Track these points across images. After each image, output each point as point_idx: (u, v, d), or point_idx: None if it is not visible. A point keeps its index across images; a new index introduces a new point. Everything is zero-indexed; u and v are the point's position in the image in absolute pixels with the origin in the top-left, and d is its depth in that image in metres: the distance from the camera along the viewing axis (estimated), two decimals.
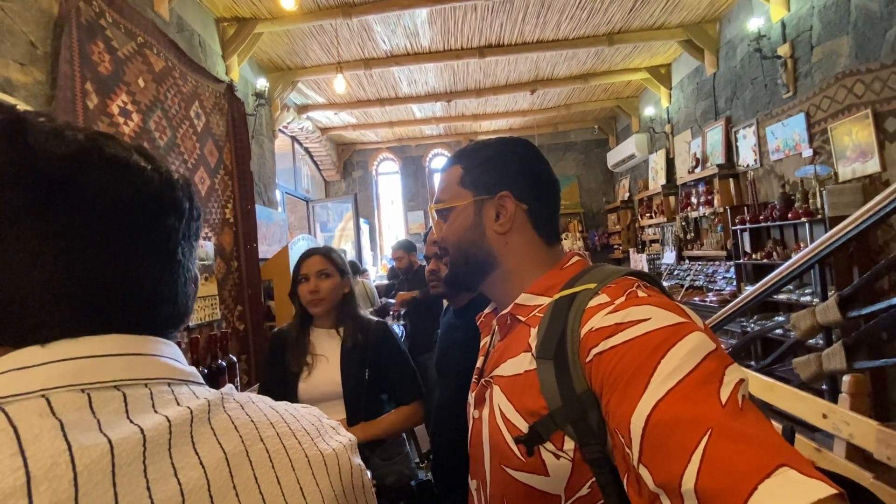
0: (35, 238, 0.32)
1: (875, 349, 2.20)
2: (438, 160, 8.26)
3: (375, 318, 1.51)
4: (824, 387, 2.60)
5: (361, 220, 6.91)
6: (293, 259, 3.83)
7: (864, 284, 1.98)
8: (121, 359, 0.33)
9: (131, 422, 0.31)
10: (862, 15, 2.88)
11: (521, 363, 0.58)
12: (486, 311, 0.75)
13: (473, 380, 0.71)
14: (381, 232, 8.39)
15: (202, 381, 0.39)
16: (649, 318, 0.48)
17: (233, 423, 0.37)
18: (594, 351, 0.49)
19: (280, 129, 5.46)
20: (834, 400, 1.67)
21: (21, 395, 0.29)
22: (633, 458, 0.43)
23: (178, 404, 0.34)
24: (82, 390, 0.31)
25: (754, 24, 3.73)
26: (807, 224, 3.24)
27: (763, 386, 2.10)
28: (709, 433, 0.38)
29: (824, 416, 1.66)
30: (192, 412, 0.34)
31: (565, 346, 0.53)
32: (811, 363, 1.99)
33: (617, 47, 4.88)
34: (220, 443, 0.35)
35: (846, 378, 1.63)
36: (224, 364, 2.00)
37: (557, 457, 0.52)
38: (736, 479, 0.35)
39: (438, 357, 1.40)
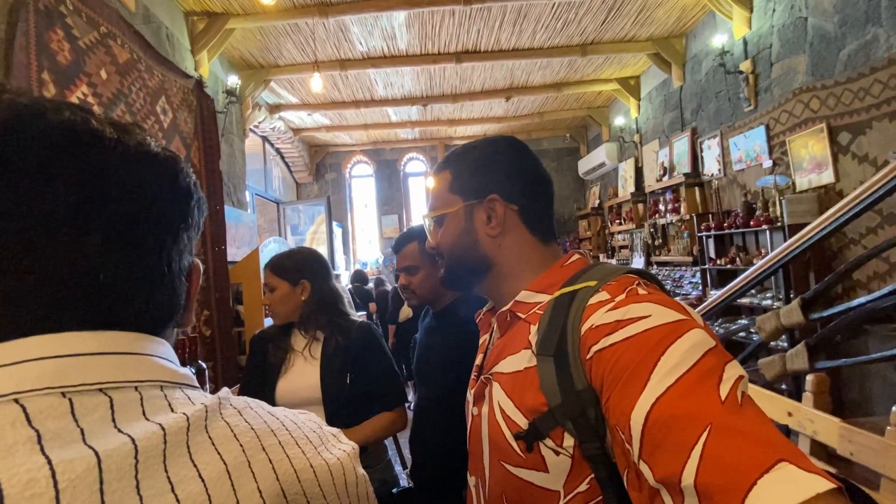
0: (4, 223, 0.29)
1: (832, 349, 2.32)
2: (413, 164, 8.24)
3: (358, 319, 1.47)
4: (784, 386, 2.72)
5: (334, 224, 6.79)
6: (263, 263, 3.71)
7: (824, 288, 2.08)
8: (107, 358, 0.30)
9: (119, 431, 0.28)
10: (818, 35, 3.06)
11: (521, 360, 0.58)
12: (485, 308, 0.75)
13: (472, 377, 0.71)
14: (355, 236, 8.27)
15: (197, 384, 0.36)
16: (649, 315, 0.48)
17: (232, 431, 0.34)
18: (594, 348, 0.49)
19: (251, 129, 5.30)
20: (798, 399, 1.74)
21: None
22: (634, 455, 0.43)
23: (173, 410, 0.31)
24: (63, 394, 0.27)
25: (718, 41, 3.92)
26: (767, 231, 3.40)
27: None
28: (708, 429, 0.38)
29: (789, 415, 1.72)
30: (188, 419, 0.31)
31: (566, 343, 0.53)
32: (776, 364, 2.07)
33: (589, 58, 5.01)
34: (219, 453, 0.32)
35: (809, 377, 1.71)
36: (193, 370, 1.91)
37: (557, 453, 0.52)
38: (735, 475, 0.35)
39: (417, 361, 1.38)
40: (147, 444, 0.28)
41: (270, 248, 4.39)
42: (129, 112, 2.71)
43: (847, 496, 0.34)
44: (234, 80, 4.37)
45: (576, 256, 0.66)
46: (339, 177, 8.07)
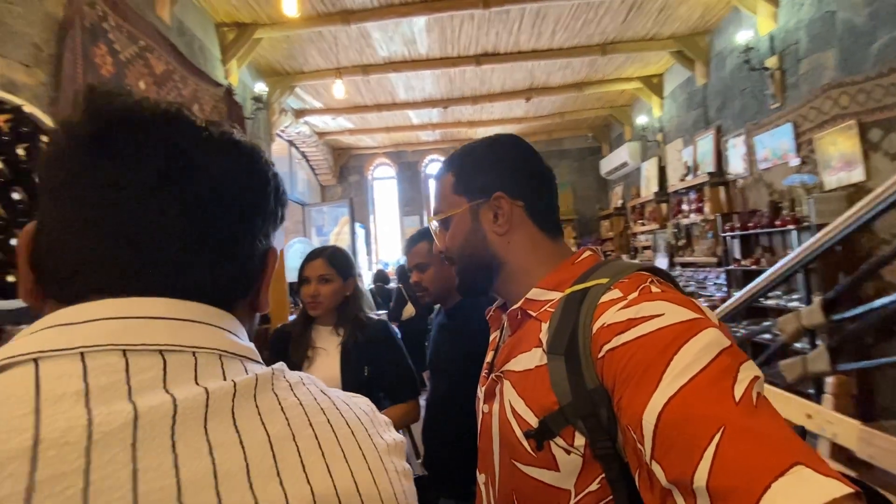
0: (84, 191, 0.32)
1: (861, 351, 2.26)
2: (434, 166, 8.32)
3: (375, 318, 1.54)
4: (811, 390, 2.66)
5: (357, 225, 6.93)
6: (288, 262, 3.85)
7: (848, 289, 2.04)
8: (170, 322, 0.31)
9: (166, 391, 0.28)
10: (847, 29, 2.97)
11: (532, 358, 0.58)
12: (495, 305, 0.74)
13: (483, 374, 0.71)
14: (377, 237, 8.41)
15: (260, 360, 0.37)
16: (663, 314, 0.47)
17: (280, 404, 0.33)
18: (606, 347, 0.49)
19: (277, 134, 5.49)
20: (819, 401, 1.71)
21: (59, 351, 0.28)
22: (646, 455, 0.42)
23: (224, 378, 0.31)
24: (123, 351, 0.29)
25: (743, 37, 3.84)
26: (794, 231, 3.32)
27: None
28: (722, 430, 0.37)
29: (809, 417, 1.70)
30: (235, 386, 0.31)
31: (577, 341, 0.52)
32: (797, 365, 2.04)
33: (610, 57, 4.97)
34: (263, 424, 0.31)
35: (830, 379, 1.68)
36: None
37: (568, 452, 0.52)
38: (749, 477, 0.35)
39: (431, 356, 1.44)
40: (188, 405, 0.28)
41: (295, 249, 4.53)
42: None
43: (865, 501, 0.33)
44: (261, 87, 4.54)
45: (587, 253, 0.65)
46: (361, 179, 8.23)
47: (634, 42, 4.77)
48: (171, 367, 0.30)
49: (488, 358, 0.73)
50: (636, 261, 5.90)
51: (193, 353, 0.31)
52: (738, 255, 4.07)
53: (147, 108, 0.35)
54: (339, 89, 4.40)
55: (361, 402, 0.41)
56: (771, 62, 3.66)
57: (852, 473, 1.37)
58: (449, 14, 3.98)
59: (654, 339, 0.45)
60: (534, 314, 0.61)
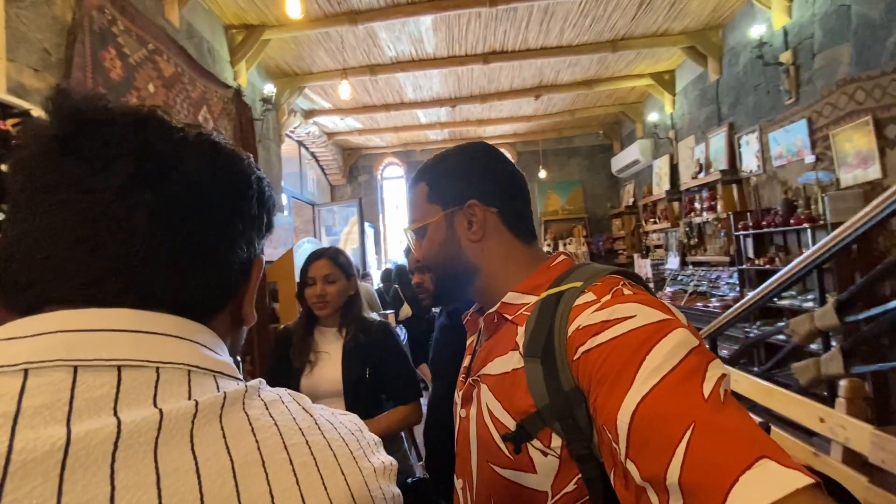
0: (45, 196, 0.30)
1: (876, 354, 2.20)
2: None
3: (378, 319, 1.54)
4: (825, 393, 2.59)
5: (366, 225, 6.96)
6: (298, 262, 3.88)
7: (863, 289, 1.99)
8: (132, 335, 0.29)
9: (114, 413, 0.26)
10: (862, 23, 2.89)
11: (508, 362, 0.59)
12: (472, 310, 0.75)
13: (460, 379, 0.71)
14: (386, 236, 8.44)
15: (239, 375, 0.34)
16: (635, 316, 0.48)
17: (251, 424, 0.30)
18: (581, 348, 0.50)
19: (287, 134, 5.53)
20: (832, 405, 1.67)
21: (1, 368, 0.26)
22: (621, 454, 0.43)
23: (189, 397, 0.29)
24: (74, 368, 0.26)
25: (756, 32, 3.76)
26: (809, 230, 3.24)
27: (762, 391, 2.10)
28: (692, 427, 0.39)
29: (821, 420, 1.66)
30: (197, 406, 0.28)
31: (553, 344, 0.53)
32: (810, 368, 1.99)
33: (620, 54, 4.91)
34: (228, 447, 0.28)
35: (843, 382, 1.64)
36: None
37: (545, 454, 0.53)
38: (718, 472, 0.36)
39: (433, 358, 1.43)
40: (135, 429, 0.26)
41: (304, 249, 4.56)
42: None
43: (825, 491, 0.35)
44: (270, 89, 4.57)
45: (562, 257, 0.66)
46: (370, 178, 8.26)
47: (645, 38, 4.70)
48: (127, 386, 0.27)
49: (465, 362, 0.73)
50: (655, 263, 5.86)
51: (157, 369, 0.29)
52: (751, 254, 3.99)
53: (118, 109, 0.33)
54: (344, 90, 4.42)
55: (348, 422, 0.38)
56: (785, 57, 3.58)
57: (864, 479, 1.34)
58: (456, 13, 3.97)
59: (627, 340, 0.47)
60: (510, 318, 0.62)
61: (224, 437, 0.29)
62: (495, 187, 0.68)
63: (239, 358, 2.07)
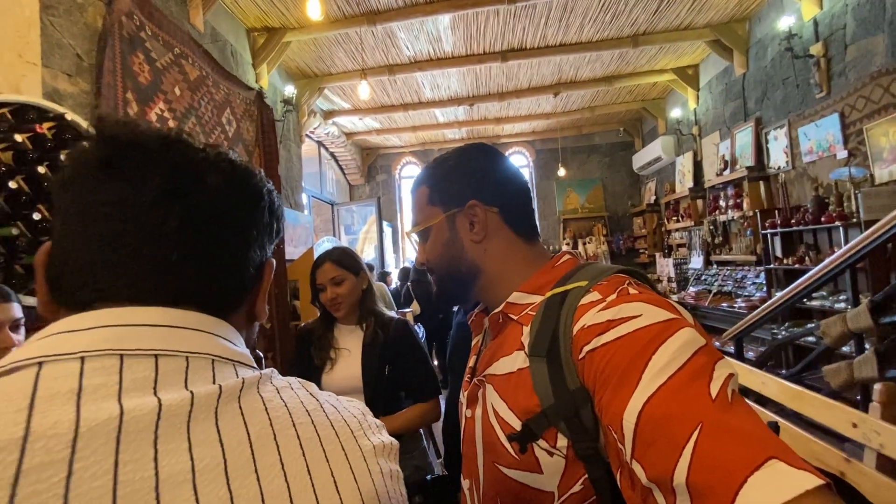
0: (93, 209, 0.36)
1: None
2: None
3: (396, 316, 1.55)
4: (858, 397, 2.49)
5: (385, 224, 7.01)
6: None
7: None
8: (164, 329, 0.34)
9: (154, 394, 0.31)
10: None
11: (514, 361, 0.58)
12: (476, 310, 0.75)
13: (465, 379, 0.71)
14: (404, 235, 8.48)
15: (254, 364, 0.39)
16: (640, 315, 0.48)
17: (264, 405, 0.35)
18: (586, 348, 0.49)
19: (307, 135, 5.61)
20: (866, 409, 1.61)
21: (62, 355, 0.31)
22: (626, 454, 0.43)
23: (213, 382, 0.34)
24: (120, 356, 0.31)
25: (785, 23, 3.63)
26: (841, 228, 3.12)
27: (791, 394, 2.04)
28: (699, 427, 0.38)
29: (854, 426, 1.60)
30: (221, 389, 0.33)
31: (558, 343, 0.53)
32: (842, 371, 1.92)
33: (642, 49, 4.82)
34: (245, 423, 0.33)
35: (877, 386, 1.58)
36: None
37: (551, 454, 0.52)
38: (726, 473, 0.36)
39: (450, 355, 1.44)
40: (172, 407, 0.30)
41: (324, 247, 4.62)
42: (199, 124, 2.99)
43: (836, 492, 0.34)
44: (290, 90, 4.64)
45: (566, 257, 0.66)
46: (389, 178, 8.31)
47: (668, 32, 4.60)
48: (163, 371, 0.32)
49: (470, 363, 0.73)
50: (677, 262, 5.74)
51: (186, 358, 0.34)
52: (779, 253, 3.87)
53: (148, 133, 0.38)
54: (363, 90, 4.45)
55: (352, 407, 0.42)
56: (816, 49, 3.45)
57: None
58: (474, 10, 3.96)
59: (633, 339, 0.46)
60: (515, 317, 0.62)
61: (242, 414, 0.34)
62: (495, 187, 0.68)
63: (261, 354, 2.13)
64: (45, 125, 1.64)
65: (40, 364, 0.30)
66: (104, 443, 0.28)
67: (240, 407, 0.34)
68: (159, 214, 0.36)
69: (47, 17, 1.93)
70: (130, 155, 0.36)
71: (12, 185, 1.50)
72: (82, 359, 0.31)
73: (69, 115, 1.73)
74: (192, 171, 0.38)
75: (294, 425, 0.35)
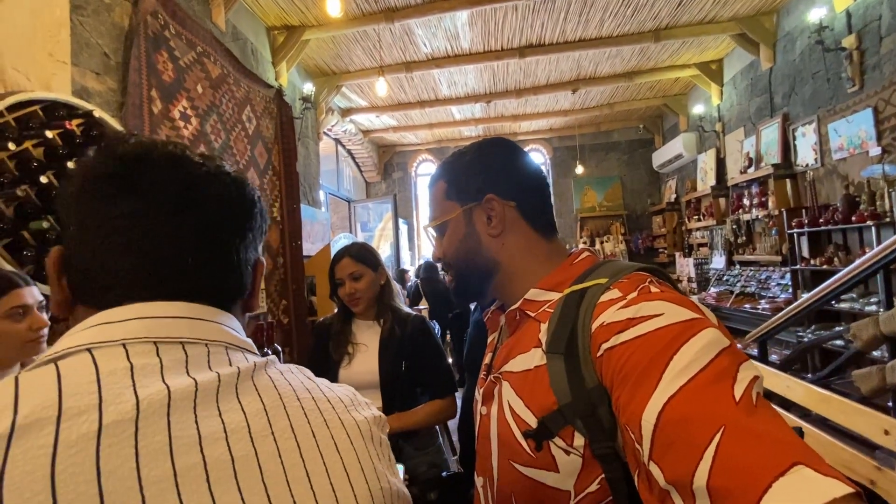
0: (110, 221, 0.40)
1: None
2: None
3: (413, 313, 1.55)
4: (890, 403, 2.40)
5: (400, 221, 7.04)
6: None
7: None
8: (188, 321, 0.40)
9: (188, 374, 0.37)
10: None
11: (531, 359, 0.58)
12: (493, 307, 0.74)
13: (481, 376, 0.71)
14: (420, 232, 8.49)
15: (256, 351, 0.45)
16: (662, 314, 0.47)
17: (273, 383, 0.42)
18: (605, 346, 0.49)
19: (324, 132, 5.66)
20: None
21: (106, 343, 0.37)
22: (644, 455, 0.42)
23: (230, 365, 0.40)
24: (154, 343, 0.37)
25: (816, 15, 3.51)
26: (873, 228, 3.01)
27: (818, 399, 1.97)
28: (722, 430, 0.37)
29: (886, 433, 1.55)
30: (239, 371, 0.40)
31: (576, 340, 0.52)
32: (873, 376, 1.85)
33: (664, 44, 4.72)
34: (260, 397, 0.40)
35: None
36: (269, 353, 2.11)
37: (567, 452, 0.52)
38: (749, 478, 0.34)
39: (467, 353, 1.43)
40: (205, 384, 0.37)
41: (340, 244, 4.66)
42: (220, 121, 3.04)
43: (865, 501, 0.33)
44: (309, 88, 4.68)
45: (585, 254, 0.65)
46: (405, 175, 8.33)
47: (691, 26, 4.49)
48: (190, 356, 0.39)
49: (486, 360, 0.72)
50: (698, 262, 5.61)
51: (206, 345, 0.40)
52: (806, 253, 3.75)
53: (158, 151, 0.43)
54: (381, 87, 4.47)
55: (343, 389, 0.50)
56: (848, 42, 3.33)
57: None
58: (492, 6, 3.93)
59: (654, 338, 0.45)
60: (532, 314, 0.61)
61: (256, 390, 0.40)
62: (513, 181, 0.68)
63: (279, 348, 2.15)
64: (74, 122, 1.68)
65: (90, 350, 0.36)
66: (158, 408, 0.34)
67: (254, 384, 0.41)
68: (175, 224, 0.41)
69: (77, 17, 1.98)
70: (142, 171, 0.41)
71: (43, 179, 1.55)
72: (124, 345, 0.36)
73: (97, 112, 1.78)
74: (200, 185, 0.43)
75: (298, 399, 0.42)
